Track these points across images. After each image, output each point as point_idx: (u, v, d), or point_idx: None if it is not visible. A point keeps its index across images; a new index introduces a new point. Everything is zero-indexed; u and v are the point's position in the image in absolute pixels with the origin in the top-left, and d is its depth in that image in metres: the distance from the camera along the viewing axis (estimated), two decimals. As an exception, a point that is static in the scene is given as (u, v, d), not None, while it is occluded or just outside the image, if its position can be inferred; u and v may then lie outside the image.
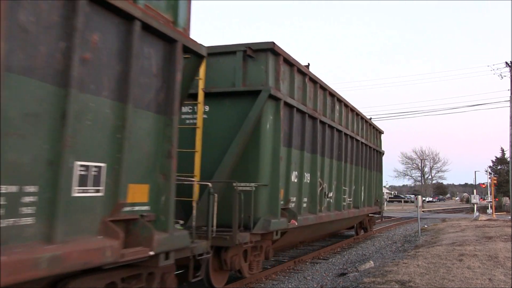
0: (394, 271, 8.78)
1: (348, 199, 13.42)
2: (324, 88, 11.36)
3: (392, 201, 75.13)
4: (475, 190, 44.98)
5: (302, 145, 9.73)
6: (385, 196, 64.59)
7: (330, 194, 11.66)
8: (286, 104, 8.72)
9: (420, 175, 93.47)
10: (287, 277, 9.50)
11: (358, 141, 14.74)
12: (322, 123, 10.99)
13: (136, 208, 4.36)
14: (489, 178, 43.69)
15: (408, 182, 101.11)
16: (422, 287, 7.27)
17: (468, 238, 14.76)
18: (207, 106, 8.11)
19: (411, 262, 9.70)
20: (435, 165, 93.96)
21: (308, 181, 10.13)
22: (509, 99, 32.44)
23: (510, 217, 29.51)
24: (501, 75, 33.96)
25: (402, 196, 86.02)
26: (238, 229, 7.15)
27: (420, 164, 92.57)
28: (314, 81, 10.62)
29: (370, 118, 17.43)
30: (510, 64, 33.11)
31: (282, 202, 8.50)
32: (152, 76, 4.51)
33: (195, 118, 7.33)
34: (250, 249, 8.01)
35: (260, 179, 7.97)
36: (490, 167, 61.38)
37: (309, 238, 14.58)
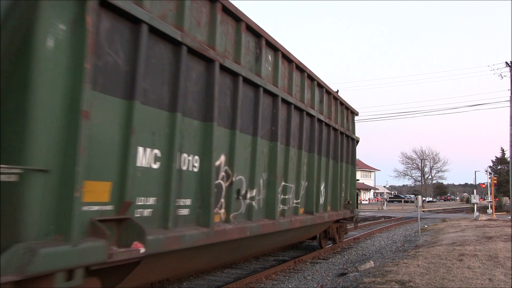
0: (394, 271, 8.78)
1: (294, 201, 9.06)
2: (229, 12, 6.46)
3: (392, 201, 75.20)
4: (475, 190, 44.98)
5: (173, 102, 5.31)
6: (385, 196, 64.77)
7: (253, 193, 7.24)
8: (109, 5, 4.33)
9: (420, 175, 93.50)
10: (287, 277, 9.50)
11: (314, 119, 10.07)
12: (227, 70, 6.38)
13: None
14: (489, 178, 43.69)
15: (408, 182, 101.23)
16: (422, 287, 7.27)
17: (468, 238, 14.76)
18: None
19: (411, 262, 9.70)
20: (435, 165, 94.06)
21: (196, 169, 5.84)
22: (509, 99, 32.44)
23: (510, 217, 29.50)
24: (501, 75, 33.99)
25: (402, 196, 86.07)
26: None
27: (420, 164, 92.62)
28: None
29: (337, 91, 13.00)
30: (510, 64, 33.11)
31: (99, 208, 4.30)
32: None
33: None
34: None
35: (31, 158, 3.64)
36: (490, 167, 61.46)
37: (204, 267, 8.79)
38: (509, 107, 32.12)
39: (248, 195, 7.16)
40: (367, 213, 40.93)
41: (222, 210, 6.41)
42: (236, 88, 6.67)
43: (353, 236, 18.10)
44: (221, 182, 6.37)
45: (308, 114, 9.81)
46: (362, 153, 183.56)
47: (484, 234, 15.99)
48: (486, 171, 52.29)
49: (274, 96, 8.06)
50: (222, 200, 6.39)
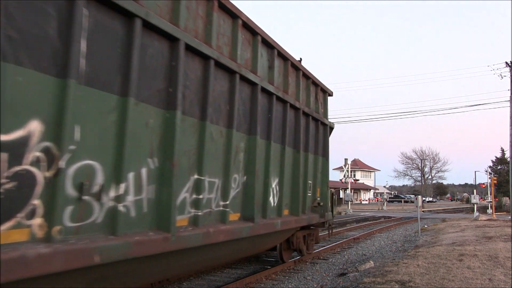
0: (394, 271, 8.78)
1: (221, 203, 6.26)
2: None
3: (392, 201, 75.24)
4: (475, 190, 45.00)
5: None
6: (385, 196, 64.80)
7: (119, 191, 4.49)
8: None
9: (420, 175, 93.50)
10: (287, 277, 9.50)
11: (257, 87, 7.14)
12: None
13: None
14: (489, 178, 43.71)
15: (408, 182, 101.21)
16: (422, 287, 7.27)
17: (468, 238, 14.76)
18: None
19: (411, 262, 9.70)
20: (435, 165, 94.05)
21: None
22: (509, 99, 32.44)
23: (510, 217, 29.51)
24: (501, 75, 33.98)
25: (402, 196, 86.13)
26: None
27: (420, 164, 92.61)
28: None
29: (300, 60, 9.67)
30: (510, 64, 33.11)
31: None
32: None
33: None
34: None
35: None
36: (490, 167, 61.49)
37: None
38: (509, 107, 32.13)
39: (111, 194, 4.36)
40: (367, 213, 40.96)
41: (36, 221, 3.62)
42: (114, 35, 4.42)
43: (353, 236, 18.12)
44: (32, 169, 3.59)
45: (246, 80, 6.78)
46: (362, 153, 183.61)
47: (484, 234, 15.99)
48: (486, 171, 52.32)
49: (207, 59, 5.76)
50: (36, 201, 3.60)
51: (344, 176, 46.08)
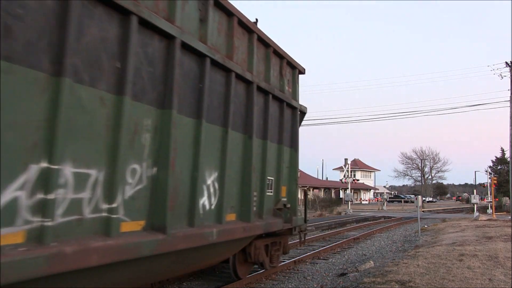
0: (394, 271, 8.78)
1: (103, 207, 4.22)
2: None
3: (392, 201, 75.23)
4: (475, 190, 45.00)
5: None
6: (385, 196, 64.80)
7: None
8: None
9: (420, 175, 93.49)
10: (287, 277, 9.49)
11: (174, 42, 5.08)
12: None
13: None
14: (489, 178, 43.71)
15: (408, 182, 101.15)
16: (422, 287, 7.27)
17: (468, 238, 14.76)
18: None
19: (411, 262, 9.70)
20: (435, 165, 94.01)
21: None
22: (509, 99, 32.44)
23: (510, 217, 29.51)
24: (501, 75, 33.98)
25: (402, 196, 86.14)
26: None
27: (420, 164, 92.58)
28: None
29: (255, 22, 7.55)
30: (510, 64, 33.11)
31: None
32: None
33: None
34: None
35: None
36: (490, 167, 61.48)
37: None
38: (509, 107, 32.13)
39: None
40: (367, 213, 40.96)
41: None
42: None
43: (353, 236, 18.11)
44: None
45: (152, 26, 4.72)
46: (362, 153, 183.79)
47: (484, 234, 15.99)
48: (486, 171, 52.28)
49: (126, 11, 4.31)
50: None
51: (344, 176, 46.10)
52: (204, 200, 5.79)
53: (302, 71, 9.26)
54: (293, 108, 8.71)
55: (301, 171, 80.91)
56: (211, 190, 5.99)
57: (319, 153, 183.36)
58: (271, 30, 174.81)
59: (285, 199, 8.32)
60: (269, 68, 7.78)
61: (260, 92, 7.30)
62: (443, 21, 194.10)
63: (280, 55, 8.23)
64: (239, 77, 6.58)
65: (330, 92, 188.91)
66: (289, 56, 8.58)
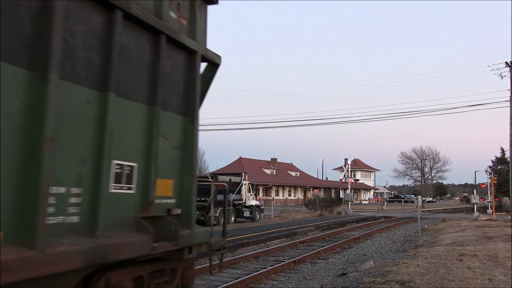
0: (394, 271, 8.78)
1: None
2: None
3: (392, 201, 75.26)
4: (475, 190, 45.01)
5: None
6: (385, 196, 64.83)
7: None
8: None
9: (420, 175, 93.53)
10: (287, 277, 9.50)
11: None
12: None
13: None
14: (489, 178, 43.72)
15: (408, 182, 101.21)
16: (422, 287, 7.27)
17: (468, 238, 14.76)
18: None
19: (411, 262, 9.70)
20: (435, 165, 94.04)
21: None
22: (509, 99, 32.46)
23: (510, 217, 29.53)
24: (501, 75, 33.96)
25: (402, 196, 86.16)
26: None
27: (420, 164, 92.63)
28: None
29: None
30: (510, 64, 33.13)
31: None
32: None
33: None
34: None
35: None
36: (490, 167, 61.41)
37: None
38: (509, 107, 32.15)
39: None
40: (367, 213, 40.98)
41: None
42: None
43: (353, 236, 18.12)
44: None
45: None
46: (362, 153, 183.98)
47: (484, 234, 16.00)
48: (486, 171, 52.33)
49: None
50: None
51: (344, 176, 46.11)
52: None
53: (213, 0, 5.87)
54: (188, 51, 5.26)
55: (301, 171, 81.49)
56: None
57: (319, 153, 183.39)
58: (271, 30, 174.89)
59: (170, 201, 4.93)
60: None
61: (121, 13, 4.08)
62: (442, 21, 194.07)
63: None
64: None
65: (330, 92, 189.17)
66: None
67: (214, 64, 5.82)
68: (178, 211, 5.06)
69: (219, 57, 5.89)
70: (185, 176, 5.20)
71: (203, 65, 5.67)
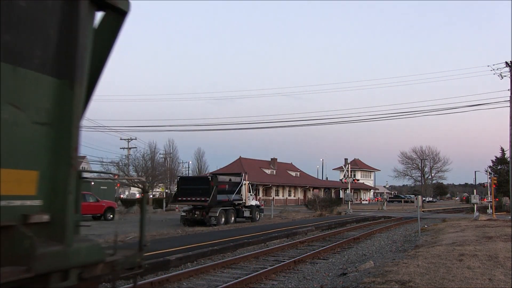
0: (394, 271, 8.78)
1: None
2: None
3: (392, 201, 75.26)
4: (475, 190, 45.01)
5: None
6: (385, 196, 64.82)
7: None
8: None
9: (420, 175, 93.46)
10: (287, 277, 9.50)
11: None
12: None
13: None
14: (489, 178, 43.72)
15: (408, 182, 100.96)
16: (422, 287, 7.27)
17: (468, 238, 14.76)
18: None
19: (411, 262, 9.70)
20: (435, 165, 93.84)
21: None
22: (509, 99, 32.46)
23: (510, 217, 29.53)
24: (501, 75, 33.94)
25: (402, 196, 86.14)
26: None
27: (420, 164, 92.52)
28: None
29: None
30: (510, 64, 33.12)
31: None
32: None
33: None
34: None
35: None
36: (490, 167, 61.38)
37: None
38: (509, 107, 32.15)
39: None
40: (367, 213, 40.98)
41: None
42: None
43: (353, 236, 18.12)
44: None
45: None
46: (362, 153, 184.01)
47: (484, 234, 15.99)
48: (486, 171, 52.28)
49: None
50: None
51: (344, 176, 46.09)
52: None
53: None
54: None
55: (301, 171, 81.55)
56: None
57: (319, 153, 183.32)
58: (271, 30, 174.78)
59: (30, 203, 3.32)
60: None
61: None
62: (442, 21, 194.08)
63: None
64: None
65: (330, 92, 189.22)
66: None
67: (118, 10, 4.12)
68: (44, 217, 3.37)
69: (126, 2, 4.22)
70: (59, 166, 3.52)
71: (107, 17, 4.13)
